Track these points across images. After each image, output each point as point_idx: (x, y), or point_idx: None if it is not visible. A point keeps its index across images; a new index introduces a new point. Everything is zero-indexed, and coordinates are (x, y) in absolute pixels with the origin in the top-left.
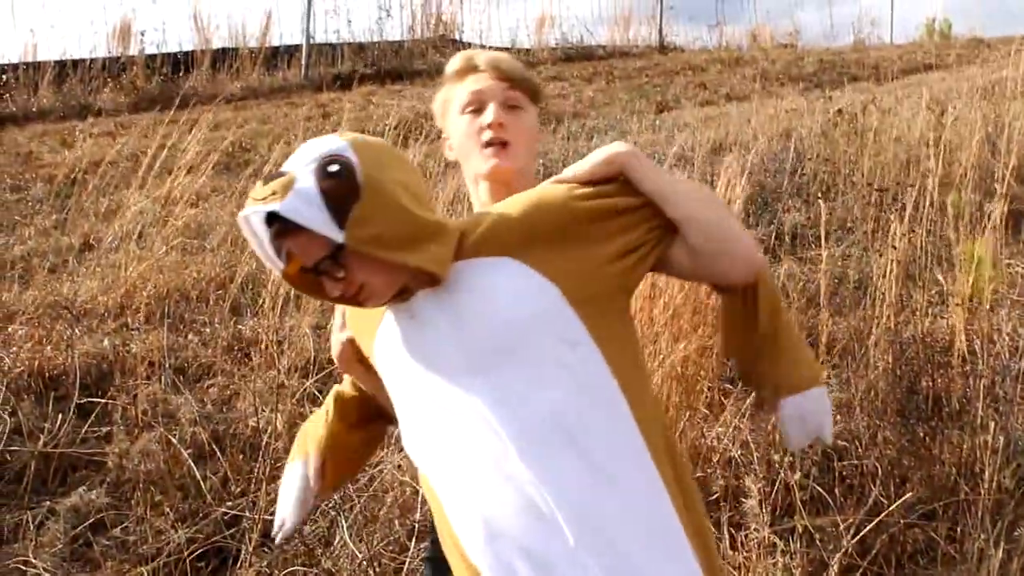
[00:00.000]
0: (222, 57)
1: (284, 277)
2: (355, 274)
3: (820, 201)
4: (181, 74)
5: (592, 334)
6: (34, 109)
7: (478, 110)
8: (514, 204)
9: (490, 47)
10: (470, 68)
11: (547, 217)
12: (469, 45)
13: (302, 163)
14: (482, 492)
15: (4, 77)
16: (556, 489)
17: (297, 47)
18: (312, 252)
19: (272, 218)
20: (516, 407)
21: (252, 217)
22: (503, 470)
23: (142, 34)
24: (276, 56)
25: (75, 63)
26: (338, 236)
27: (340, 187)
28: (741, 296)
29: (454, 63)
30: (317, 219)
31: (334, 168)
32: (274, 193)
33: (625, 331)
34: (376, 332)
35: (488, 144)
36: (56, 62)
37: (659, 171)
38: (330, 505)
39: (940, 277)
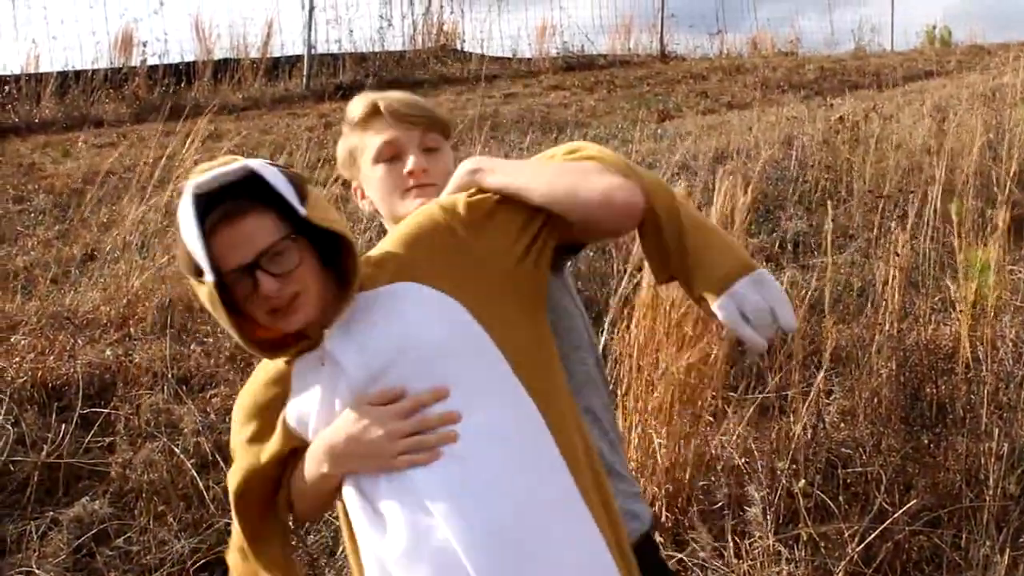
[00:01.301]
0: (224, 67)
1: (211, 287)
2: (297, 272)
3: (822, 209)
4: (183, 84)
5: (502, 347)
6: (36, 120)
7: (394, 158)
8: (400, 230)
9: (491, 57)
10: (373, 114)
11: (432, 235)
12: (470, 55)
13: (249, 162)
14: (400, 529)
15: (6, 88)
16: (466, 528)
17: (299, 57)
18: (260, 237)
19: (211, 205)
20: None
21: (184, 203)
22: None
23: (144, 45)
24: (277, 66)
25: (77, 74)
26: (300, 208)
27: (296, 176)
28: (645, 230)
29: (355, 110)
30: (283, 187)
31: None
32: (233, 161)
33: (537, 337)
34: (289, 399)
35: (411, 188)
36: (58, 73)
37: (505, 167)
38: (333, 515)
39: (943, 284)
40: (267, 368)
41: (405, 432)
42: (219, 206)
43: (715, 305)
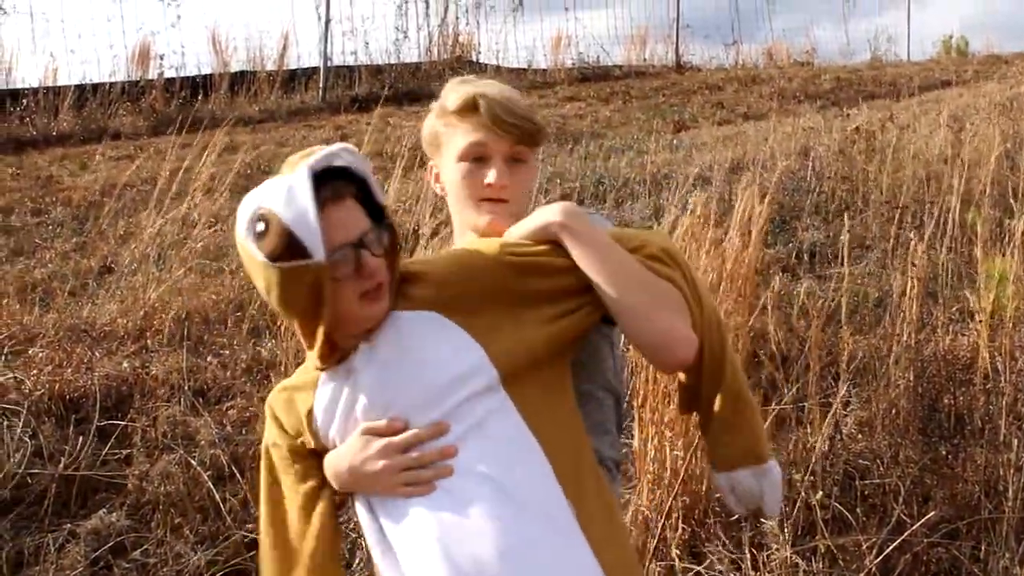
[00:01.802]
0: (240, 80)
1: (321, 266)
2: (385, 259)
3: (839, 219)
4: (200, 97)
5: (516, 401)
6: (54, 133)
7: (479, 159)
8: (455, 256)
9: (507, 69)
10: (471, 108)
11: (479, 273)
12: (486, 67)
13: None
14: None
15: (25, 101)
16: (451, 568)
17: (315, 69)
18: (361, 219)
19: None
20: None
21: (300, 181)
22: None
23: (161, 58)
24: (294, 79)
25: (95, 87)
26: (382, 197)
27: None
28: (687, 369)
29: (454, 98)
30: (372, 180)
31: None
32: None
33: (555, 395)
34: (312, 404)
35: (486, 199)
36: (76, 86)
37: (594, 238)
38: (350, 527)
39: (961, 295)
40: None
41: (402, 466)
42: (326, 185)
43: (717, 474)
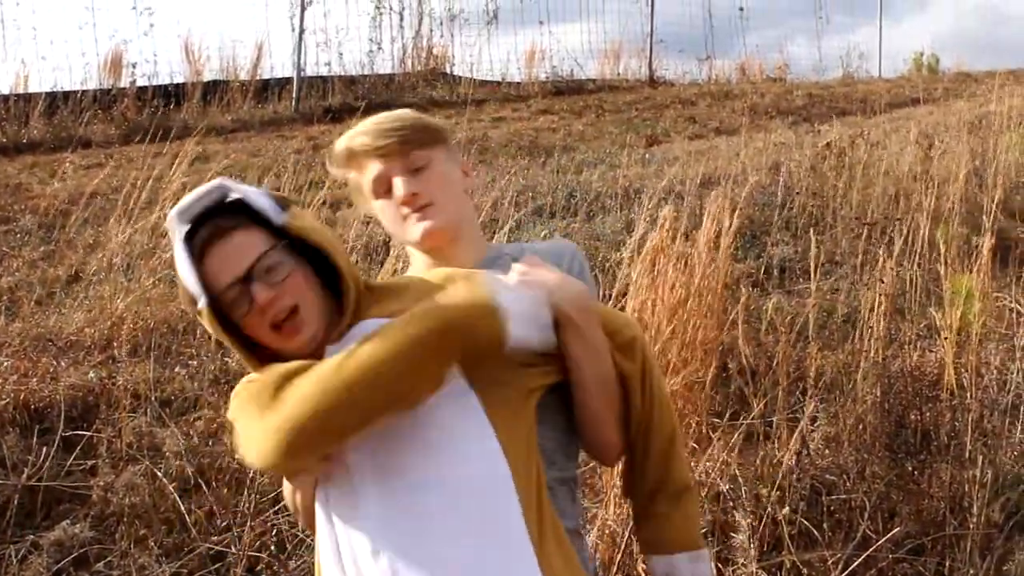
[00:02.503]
0: (213, 89)
1: (206, 311)
2: (290, 282)
3: (808, 234)
4: (172, 106)
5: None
6: (24, 140)
7: (387, 191)
8: (433, 276)
9: (480, 81)
10: (354, 155)
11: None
12: (459, 79)
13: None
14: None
15: None
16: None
17: (288, 80)
18: (249, 251)
19: (195, 228)
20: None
21: (176, 225)
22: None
23: (133, 66)
24: (267, 89)
25: (66, 95)
26: (280, 216)
27: (273, 193)
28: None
29: (337, 156)
30: (263, 202)
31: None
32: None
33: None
34: None
35: (410, 214)
36: (47, 93)
37: (596, 345)
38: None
39: (928, 311)
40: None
41: None
42: (208, 224)
43: (653, 557)
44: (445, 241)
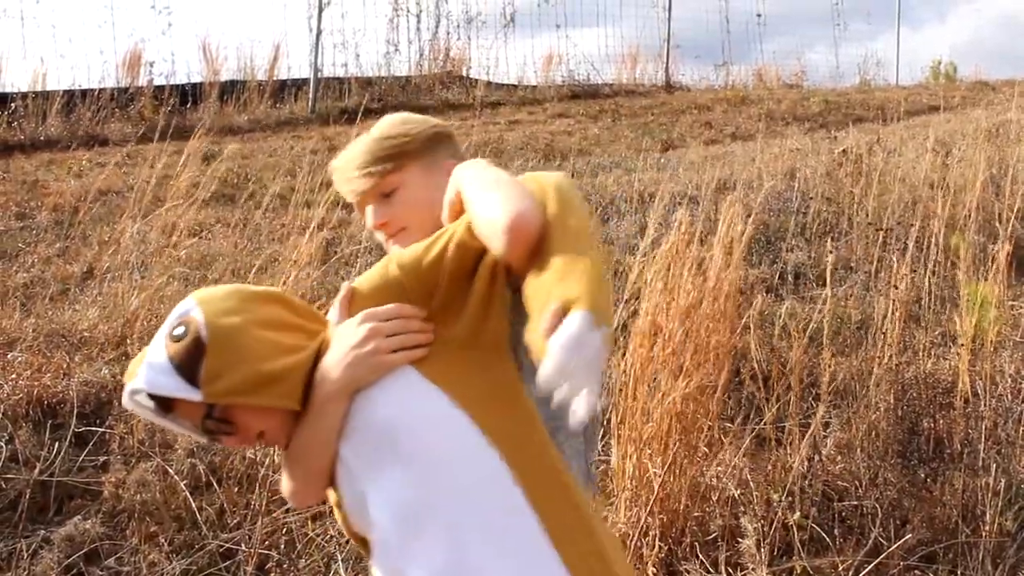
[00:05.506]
0: (230, 89)
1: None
2: (244, 424)
3: (823, 240)
4: (189, 105)
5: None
6: (42, 138)
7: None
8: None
9: (496, 84)
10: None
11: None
12: (476, 82)
13: (160, 333)
14: None
15: (13, 105)
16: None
17: (305, 81)
18: (192, 416)
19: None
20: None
21: (139, 398)
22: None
23: (151, 65)
24: (284, 89)
25: (84, 93)
26: (195, 395)
27: (185, 349)
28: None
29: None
30: (172, 385)
31: (179, 331)
32: (134, 373)
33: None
34: None
35: (387, 240)
36: (65, 91)
37: (473, 175)
38: (327, 539)
39: (943, 318)
40: None
41: (389, 332)
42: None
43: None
44: None
